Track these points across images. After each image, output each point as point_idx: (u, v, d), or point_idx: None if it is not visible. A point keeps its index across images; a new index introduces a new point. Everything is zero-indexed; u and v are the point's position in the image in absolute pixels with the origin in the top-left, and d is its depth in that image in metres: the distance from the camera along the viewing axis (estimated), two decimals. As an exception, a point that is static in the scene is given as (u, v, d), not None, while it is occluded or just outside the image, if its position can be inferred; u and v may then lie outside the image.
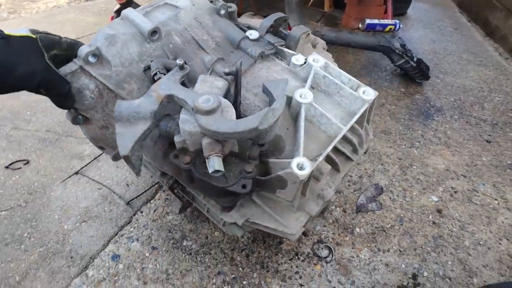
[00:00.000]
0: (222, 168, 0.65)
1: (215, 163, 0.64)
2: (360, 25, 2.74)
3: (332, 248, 1.13)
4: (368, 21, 2.71)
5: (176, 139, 0.74)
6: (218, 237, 1.14)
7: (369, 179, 1.39)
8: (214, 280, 1.03)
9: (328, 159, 0.84)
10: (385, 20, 2.72)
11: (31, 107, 1.72)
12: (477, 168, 1.47)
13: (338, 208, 1.26)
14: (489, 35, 2.73)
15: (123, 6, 1.55)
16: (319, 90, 0.90)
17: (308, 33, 1.01)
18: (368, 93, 0.83)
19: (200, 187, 0.85)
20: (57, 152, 1.44)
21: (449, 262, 1.11)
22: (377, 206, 1.28)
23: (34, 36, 0.67)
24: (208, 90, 0.73)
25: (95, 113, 0.88)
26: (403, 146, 1.57)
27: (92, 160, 1.38)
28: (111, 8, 3.02)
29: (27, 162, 1.38)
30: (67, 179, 1.32)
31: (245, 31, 0.96)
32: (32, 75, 0.66)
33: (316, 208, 0.84)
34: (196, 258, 1.09)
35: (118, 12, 1.59)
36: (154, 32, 0.81)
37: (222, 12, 0.97)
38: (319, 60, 0.88)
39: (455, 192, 1.36)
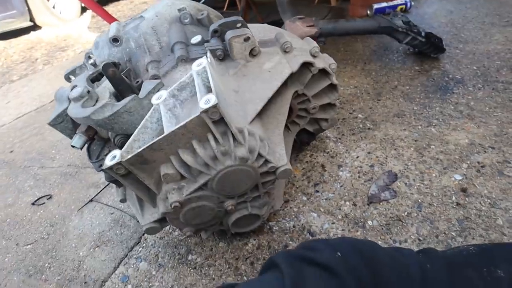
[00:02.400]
0: (77, 145, 0.83)
1: (74, 140, 0.83)
2: (368, 12, 2.63)
3: (341, 245, 1.05)
4: (375, 6, 2.60)
5: None
6: (223, 248, 1.12)
7: (381, 167, 1.29)
8: (218, 291, 1.01)
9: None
10: (394, 1, 2.58)
11: (56, 146, 1.86)
12: (508, 137, 1.31)
13: (347, 203, 1.18)
14: (516, -7, 2.47)
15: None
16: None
17: (246, 38, 0.91)
18: (208, 101, 0.66)
19: None
20: (76, 183, 1.53)
21: (478, 246, 0.98)
22: (390, 195, 1.18)
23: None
24: (106, 84, 0.88)
25: None
26: (419, 127, 1.45)
27: (105, 187, 1.44)
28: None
29: (50, 197, 1.48)
30: (83, 208, 1.38)
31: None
32: None
33: (161, 209, 0.79)
34: (201, 271, 1.07)
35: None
36: (115, 39, 0.98)
37: (186, 20, 1.02)
38: (201, 64, 0.78)
39: (482, 166, 1.21)
